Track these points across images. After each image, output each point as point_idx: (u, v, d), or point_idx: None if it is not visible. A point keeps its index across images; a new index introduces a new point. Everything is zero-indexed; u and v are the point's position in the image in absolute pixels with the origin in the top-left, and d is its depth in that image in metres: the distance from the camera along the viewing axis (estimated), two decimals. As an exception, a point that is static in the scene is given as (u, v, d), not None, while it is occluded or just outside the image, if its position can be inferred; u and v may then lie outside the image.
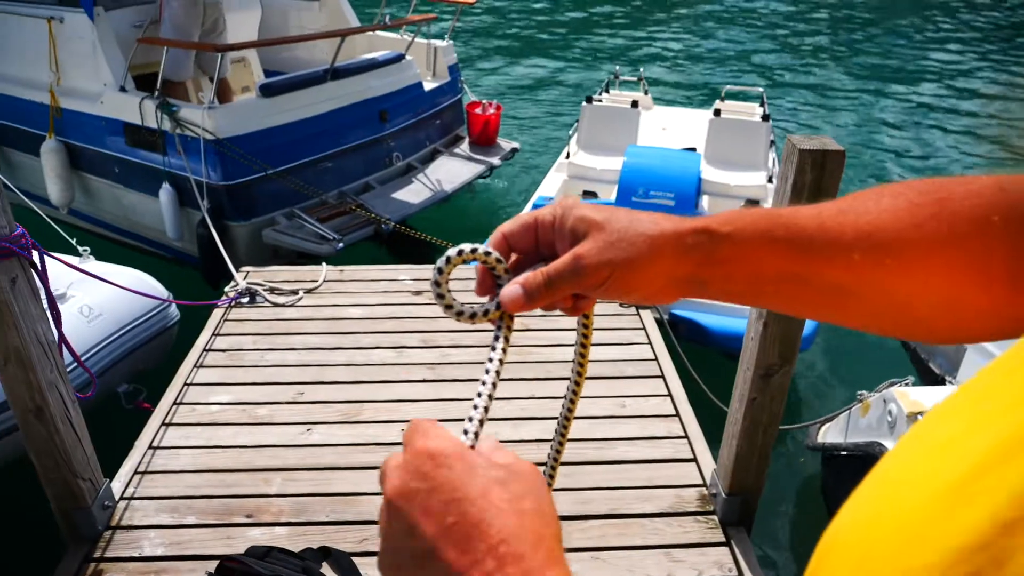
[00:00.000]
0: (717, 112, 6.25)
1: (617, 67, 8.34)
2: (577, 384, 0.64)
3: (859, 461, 3.19)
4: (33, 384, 2.15)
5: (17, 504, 3.29)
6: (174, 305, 4.04)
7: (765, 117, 6.28)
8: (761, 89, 7.47)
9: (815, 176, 2.04)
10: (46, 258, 2.38)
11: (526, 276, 0.56)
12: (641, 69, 8.12)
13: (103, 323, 3.64)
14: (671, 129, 6.82)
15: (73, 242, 3.95)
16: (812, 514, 3.78)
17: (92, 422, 2.49)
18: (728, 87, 7.37)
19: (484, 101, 6.89)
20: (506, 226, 0.59)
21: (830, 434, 3.57)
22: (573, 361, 0.64)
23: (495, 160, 6.56)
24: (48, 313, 2.20)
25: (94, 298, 3.68)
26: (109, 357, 3.64)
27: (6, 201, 2.04)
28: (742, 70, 13.00)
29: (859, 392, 3.40)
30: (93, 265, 3.79)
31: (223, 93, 5.85)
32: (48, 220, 4.23)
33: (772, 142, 6.31)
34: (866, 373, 5.00)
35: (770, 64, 13.40)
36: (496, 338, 0.56)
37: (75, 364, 2.70)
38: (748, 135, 6.08)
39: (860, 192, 0.56)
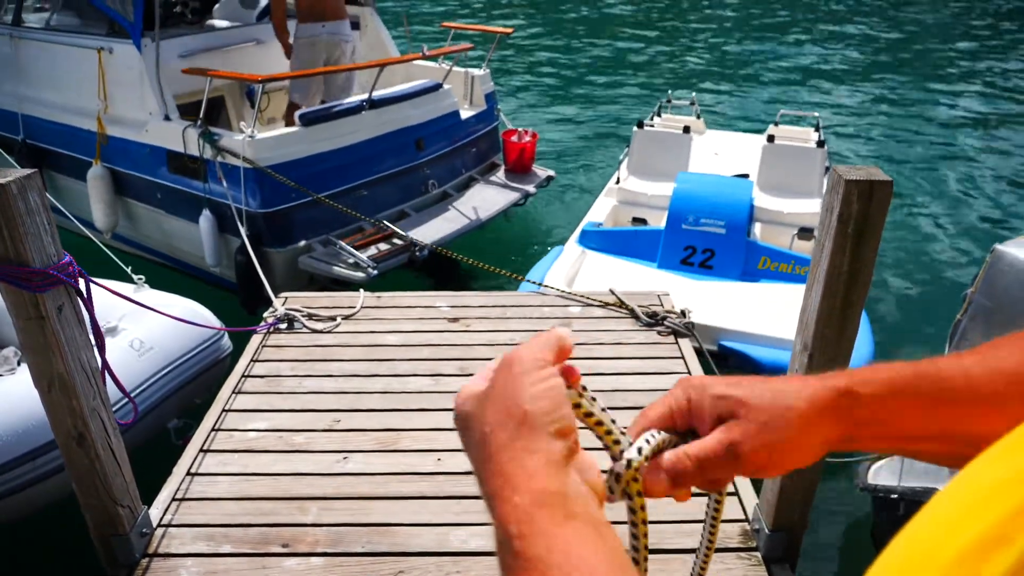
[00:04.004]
0: (771, 138, 6.17)
1: (669, 91, 8.29)
2: (704, 563, 0.62)
3: (915, 508, 3.05)
4: (76, 411, 2.17)
5: (58, 531, 3.32)
6: (227, 337, 4.00)
7: (820, 143, 6.16)
8: (817, 114, 7.34)
9: (862, 207, 2.01)
10: (100, 285, 2.43)
11: (671, 460, 0.54)
12: (693, 93, 8.04)
13: (154, 357, 3.58)
14: (724, 154, 6.73)
15: (128, 270, 3.91)
16: (860, 553, 3.65)
17: (134, 449, 2.51)
18: (783, 111, 7.29)
19: (520, 129, 6.92)
20: (644, 421, 0.58)
21: (882, 475, 3.41)
22: (701, 539, 0.62)
23: (530, 188, 6.57)
24: (93, 340, 2.23)
25: (145, 331, 3.63)
26: (159, 392, 3.57)
27: (55, 228, 2.07)
28: (800, 93, 12.82)
29: None
30: (147, 295, 3.73)
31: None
32: (101, 246, 4.28)
33: (827, 168, 6.21)
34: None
35: (829, 88, 13.15)
36: (631, 523, 0.53)
37: (123, 396, 2.71)
38: (802, 161, 5.97)
39: (994, 340, 0.53)
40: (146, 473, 2.59)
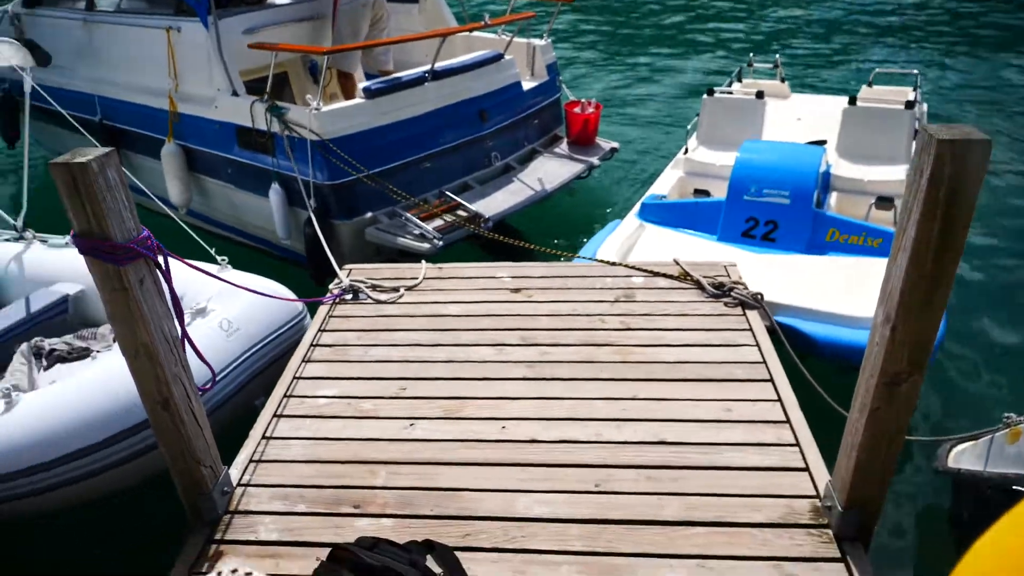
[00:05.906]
0: (852, 100, 5.82)
1: (751, 54, 7.87)
2: None
3: (1005, 496, 2.81)
4: (160, 377, 2.27)
5: (150, 491, 3.46)
6: (309, 317, 4.06)
7: (909, 104, 5.73)
8: (916, 71, 6.83)
9: (955, 169, 1.87)
10: (188, 263, 2.56)
11: None
12: (778, 55, 7.56)
13: (242, 336, 3.67)
14: (807, 119, 6.36)
15: (212, 251, 4.00)
16: (936, 536, 3.52)
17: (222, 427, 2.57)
18: (878, 70, 6.82)
19: (583, 100, 6.83)
20: None
21: (965, 458, 3.20)
22: None
23: (594, 160, 6.49)
24: (172, 311, 2.31)
25: (233, 311, 3.72)
26: (247, 371, 3.67)
27: (133, 204, 2.14)
28: (903, 47, 11.76)
29: (1006, 415, 2.99)
30: (231, 275, 3.82)
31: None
32: (183, 225, 4.37)
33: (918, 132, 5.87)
34: (1010, 388, 4.49)
35: (937, 44, 12.03)
36: None
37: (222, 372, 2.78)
38: (887, 125, 5.60)
39: None
40: (222, 437, 2.68)
